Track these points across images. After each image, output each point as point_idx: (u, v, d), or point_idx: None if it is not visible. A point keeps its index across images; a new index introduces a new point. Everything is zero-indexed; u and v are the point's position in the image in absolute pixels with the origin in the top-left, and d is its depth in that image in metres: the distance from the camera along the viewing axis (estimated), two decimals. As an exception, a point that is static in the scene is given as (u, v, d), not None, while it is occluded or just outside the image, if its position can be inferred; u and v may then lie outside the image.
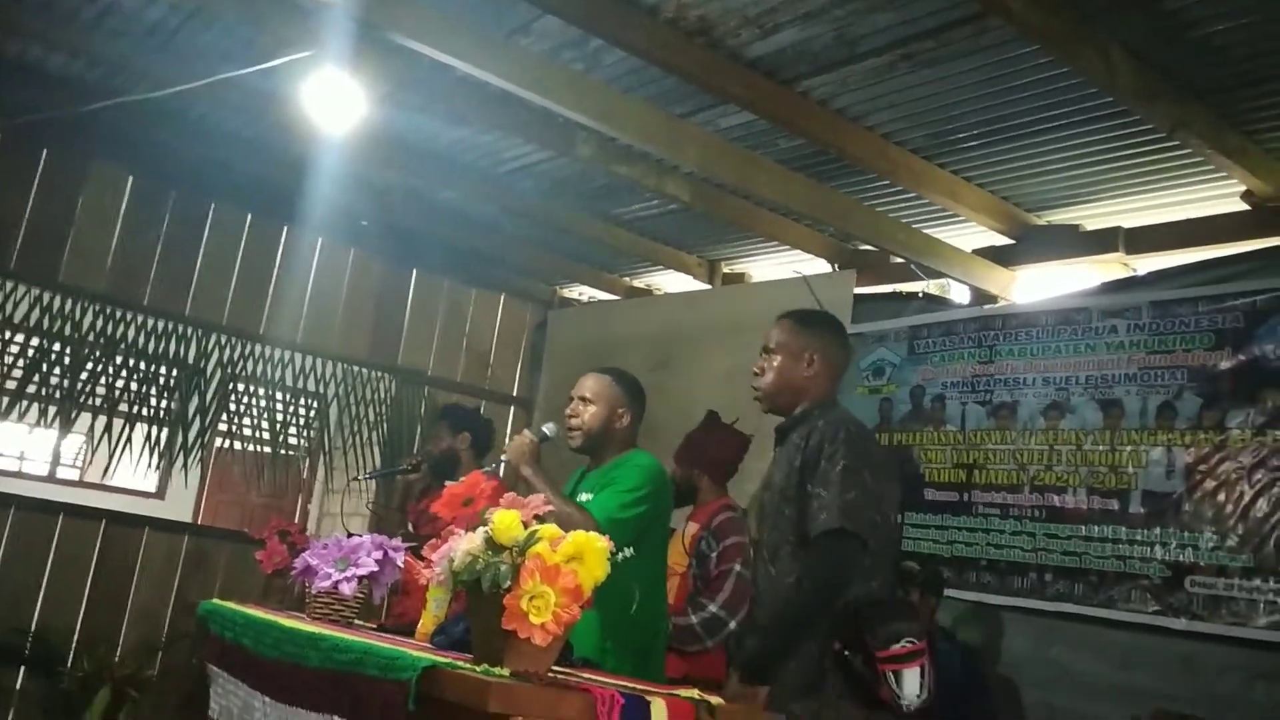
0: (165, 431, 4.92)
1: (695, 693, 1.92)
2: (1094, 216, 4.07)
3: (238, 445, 5.28)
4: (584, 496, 2.77)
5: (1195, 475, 3.37)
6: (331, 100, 3.25)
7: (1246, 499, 3.25)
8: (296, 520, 6.11)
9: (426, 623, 2.41)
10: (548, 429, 2.97)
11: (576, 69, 3.46)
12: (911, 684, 2.22)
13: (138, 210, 4.88)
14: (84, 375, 4.67)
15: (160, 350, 4.90)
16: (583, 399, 2.93)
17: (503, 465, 3.07)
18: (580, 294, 6.28)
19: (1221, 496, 3.31)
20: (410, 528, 3.78)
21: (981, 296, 4.33)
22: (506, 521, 1.82)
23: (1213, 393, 3.40)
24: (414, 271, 5.69)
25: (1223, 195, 3.68)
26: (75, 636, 4.45)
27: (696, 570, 3.48)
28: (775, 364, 2.55)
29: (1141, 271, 3.94)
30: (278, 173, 4.56)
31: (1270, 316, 3.34)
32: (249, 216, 5.21)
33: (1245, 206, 3.64)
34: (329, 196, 4.82)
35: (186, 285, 5.05)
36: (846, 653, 2.27)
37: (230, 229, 5.17)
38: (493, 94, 3.65)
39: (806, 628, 2.29)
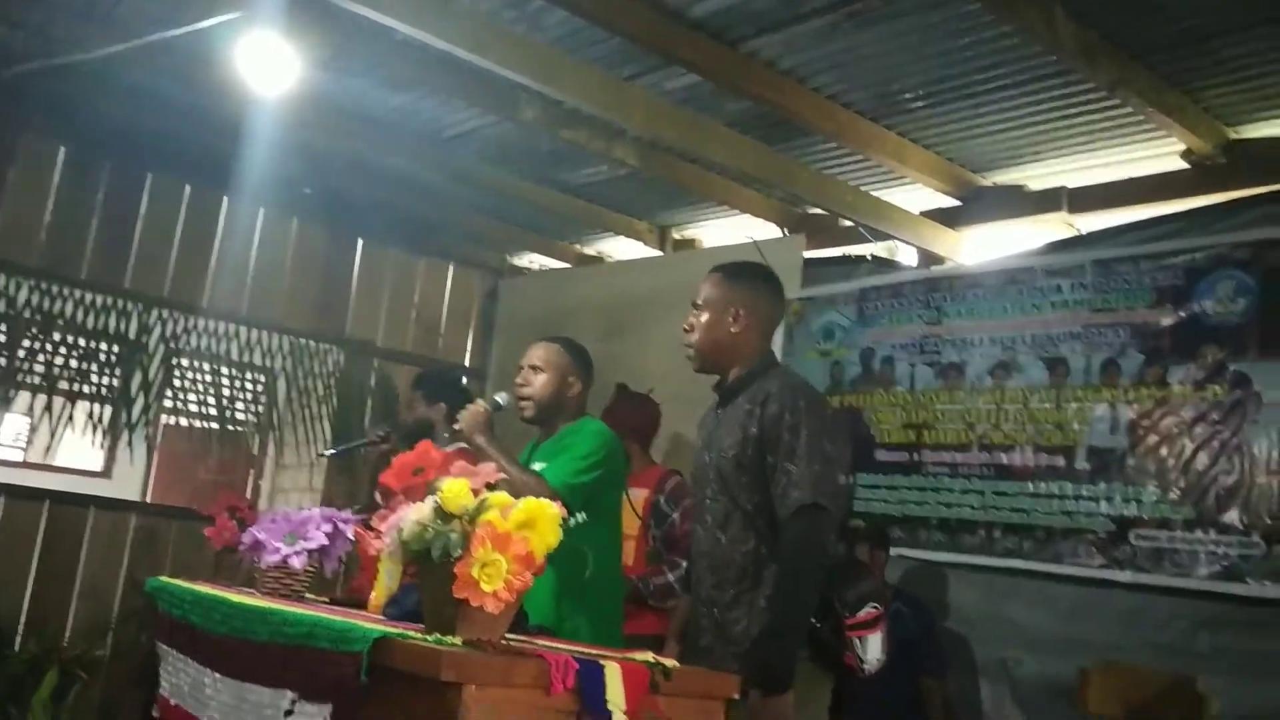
0: (108, 409, 4.82)
1: (650, 656, 1.92)
2: (1038, 177, 4.11)
3: (184, 422, 5.19)
4: (537, 466, 2.76)
5: (1138, 431, 3.44)
6: (265, 63, 3.17)
7: (1188, 453, 3.32)
8: (248, 496, 6.03)
9: (379, 594, 2.39)
10: (500, 398, 2.95)
11: (518, 30, 3.40)
12: (874, 648, 2.25)
13: (71, 182, 4.74)
14: (21, 353, 4.55)
15: (100, 325, 4.79)
16: (532, 368, 2.91)
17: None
18: (531, 262, 6.23)
19: (1164, 451, 3.37)
20: (380, 500, 3.75)
21: (929, 258, 4.37)
22: (455, 490, 1.80)
23: (1154, 349, 3.46)
24: (359, 241, 5.60)
25: (1163, 154, 3.74)
26: (22, 619, 4.36)
27: (657, 531, 3.62)
28: (703, 320, 2.47)
29: (1085, 231, 3.99)
30: (216, 142, 4.44)
31: (1209, 273, 3.40)
32: (188, 187, 5.09)
33: (1185, 165, 3.70)
34: (270, 165, 4.71)
35: (125, 258, 4.93)
36: (815, 621, 2.25)
37: (169, 200, 5.05)
38: (434, 57, 3.58)
39: (805, 614, 2.24)
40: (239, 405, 5.23)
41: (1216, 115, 3.51)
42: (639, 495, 3.72)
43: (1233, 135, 3.60)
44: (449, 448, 3.67)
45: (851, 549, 3.48)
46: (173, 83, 4.13)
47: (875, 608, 2.26)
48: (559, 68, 3.45)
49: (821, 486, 2.24)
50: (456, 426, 2.74)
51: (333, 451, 3.64)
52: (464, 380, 5.03)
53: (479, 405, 2.82)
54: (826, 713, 2.39)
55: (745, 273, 2.55)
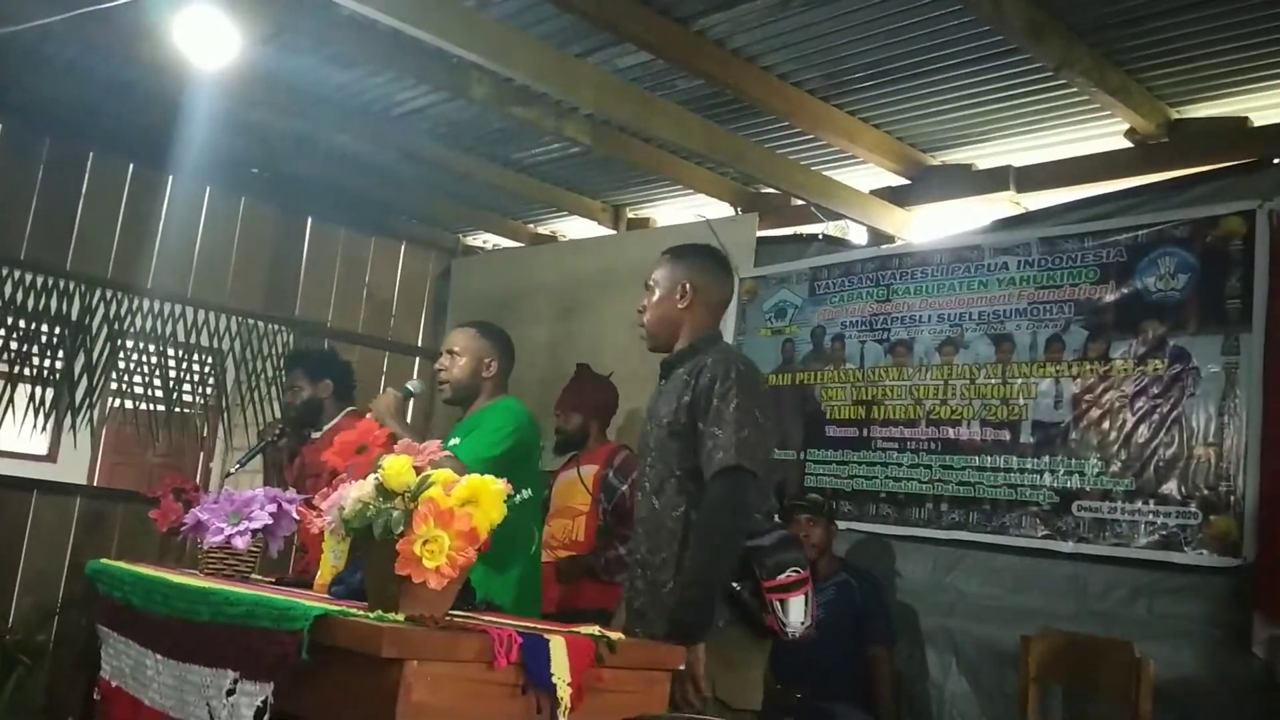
0: (51, 392, 4.73)
1: (596, 629, 1.94)
2: (986, 156, 4.14)
3: (130, 404, 5.11)
4: (453, 442, 2.80)
5: (1081, 405, 3.49)
6: (204, 37, 3.11)
7: (1129, 426, 3.38)
8: (198, 479, 5.96)
9: (324, 573, 2.38)
10: (412, 385, 3.12)
11: (467, 4, 3.36)
12: (797, 612, 2.29)
13: (9, 161, 4.65)
14: (-42, 335, 4.46)
15: (41, 307, 4.70)
16: (450, 353, 3.03)
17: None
18: (485, 242, 6.19)
19: (1106, 424, 3.43)
20: (295, 492, 3.73)
21: (879, 237, 4.39)
22: (397, 467, 1.79)
23: (1098, 325, 3.51)
24: (309, 220, 5.54)
25: (1107, 134, 3.78)
26: (-37, 606, 4.30)
27: (607, 505, 3.73)
28: (654, 299, 2.57)
29: (1031, 209, 4.04)
30: (160, 119, 4.35)
31: (1150, 250, 3.45)
32: (131, 165, 5.00)
33: (1128, 144, 3.74)
34: (215, 143, 4.64)
35: (66, 238, 4.85)
36: (735, 584, 2.30)
37: (111, 178, 4.96)
38: (382, 33, 3.53)
39: (721, 571, 2.29)
40: (186, 388, 5.15)
41: (1159, 95, 3.56)
42: (589, 471, 3.81)
43: (1175, 115, 3.65)
44: (339, 416, 3.71)
45: (790, 522, 3.52)
46: (111, 58, 4.05)
47: (797, 571, 2.30)
48: (509, 44, 3.41)
49: (745, 450, 2.30)
50: (370, 415, 2.77)
51: (237, 467, 3.60)
52: (359, 356, 5.04)
53: (390, 392, 2.95)
54: (761, 678, 2.43)
55: (692, 252, 2.64)
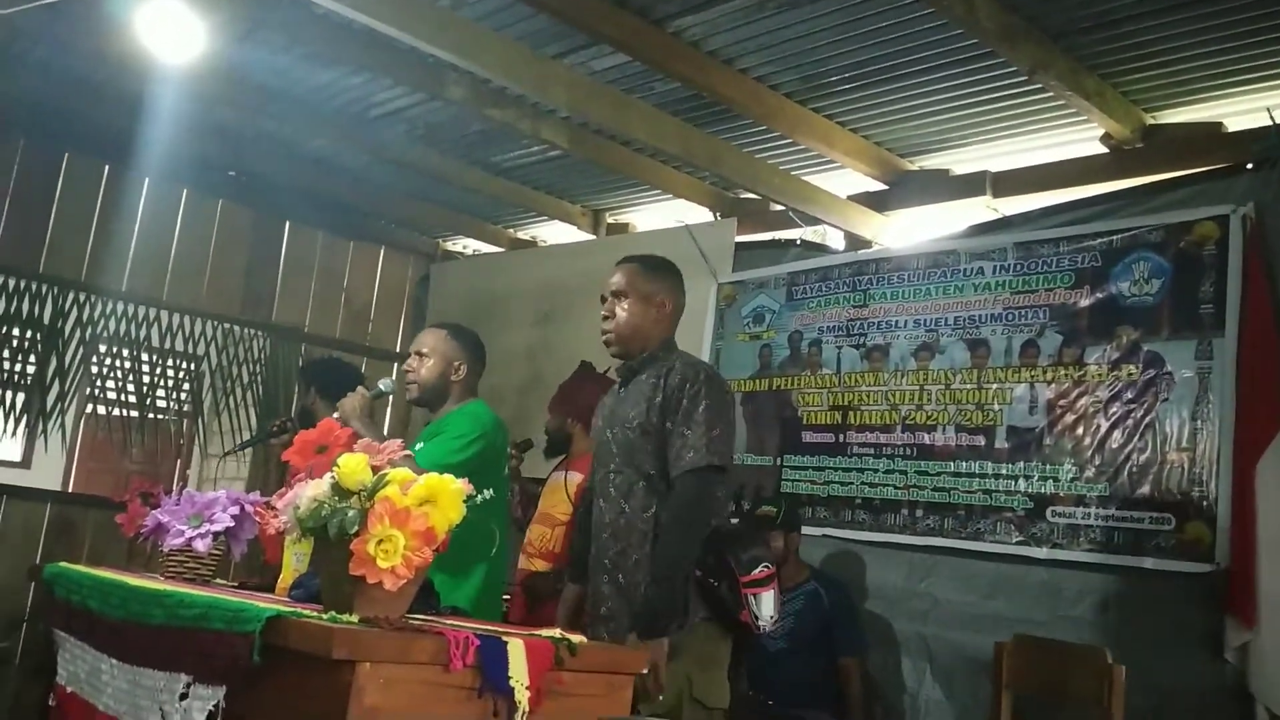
0: (23, 396, 4.67)
1: (556, 632, 1.91)
2: (963, 161, 4.14)
3: (104, 410, 5.05)
4: (418, 445, 2.77)
5: (1056, 410, 3.48)
6: (167, 29, 3.08)
7: (1103, 431, 3.37)
8: (175, 486, 5.89)
9: (286, 577, 2.35)
10: (384, 384, 3.08)
11: (442, 4, 3.34)
12: (768, 605, 2.36)
13: (-21, 161, 4.59)
14: (-71, 339, 4.40)
15: (13, 310, 4.65)
16: (419, 354, 3.00)
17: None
18: (464, 247, 6.16)
19: (1080, 430, 3.42)
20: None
21: (856, 242, 4.38)
22: (352, 466, 1.76)
23: (1072, 330, 3.50)
24: (286, 224, 5.50)
25: (1083, 139, 3.78)
26: (-72, 613, 4.23)
27: None
28: (626, 307, 2.60)
29: (1007, 214, 4.03)
30: (135, 120, 4.31)
31: (1125, 255, 3.45)
32: (106, 167, 4.96)
33: (1103, 149, 3.75)
34: (191, 146, 4.61)
35: (40, 241, 4.81)
36: (712, 580, 2.36)
37: (86, 181, 4.92)
38: (358, 33, 3.52)
39: (690, 565, 2.35)
40: (161, 393, 5.10)
41: (1134, 100, 3.56)
42: (575, 480, 3.68)
43: (1150, 120, 3.65)
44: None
45: (750, 523, 3.51)
46: (81, 57, 4.02)
47: (767, 567, 2.39)
48: (485, 44, 3.39)
49: (716, 449, 2.39)
50: (335, 416, 2.74)
51: (239, 446, 3.63)
52: (359, 368, 4.99)
53: (359, 392, 2.91)
54: (726, 677, 2.46)
55: (664, 266, 2.72)
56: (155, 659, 1.91)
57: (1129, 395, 3.34)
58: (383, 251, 5.90)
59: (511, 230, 5.86)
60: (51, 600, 2.40)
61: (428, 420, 3.04)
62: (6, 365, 4.63)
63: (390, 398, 4.06)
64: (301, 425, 3.79)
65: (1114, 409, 3.36)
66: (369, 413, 2.87)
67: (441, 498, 1.77)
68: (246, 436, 4.92)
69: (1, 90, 4.33)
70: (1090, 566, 3.30)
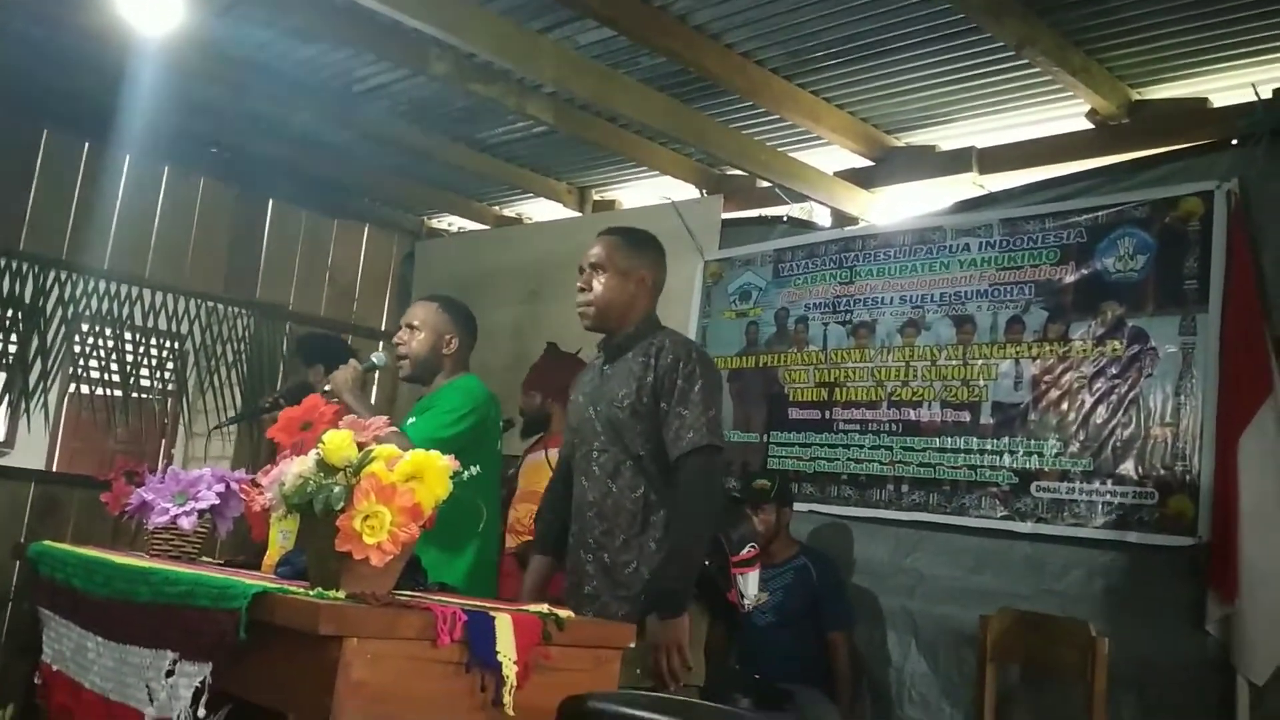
0: (4, 376, 4.64)
1: (545, 607, 1.91)
2: (949, 137, 4.13)
3: (87, 390, 5.02)
4: (410, 420, 2.76)
5: (1041, 385, 3.50)
6: (147, 3, 3.03)
7: (1087, 407, 3.39)
8: (160, 465, 5.87)
9: (272, 554, 2.34)
10: (376, 358, 3.02)
11: (425, -22, 3.31)
12: (753, 585, 2.40)
13: (-44, 138, 4.53)
14: (-93, 317, 4.36)
15: (-8, 288, 4.60)
16: (410, 326, 2.97)
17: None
18: (449, 224, 6.13)
19: (1064, 405, 3.44)
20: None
21: (842, 219, 4.38)
22: (338, 442, 1.75)
23: (1057, 306, 3.51)
24: (270, 202, 5.45)
25: (1068, 115, 3.78)
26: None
27: None
28: (603, 280, 2.57)
29: (993, 190, 4.03)
30: (115, 97, 4.25)
31: (1110, 231, 3.45)
32: (86, 144, 4.90)
33: (1089, 125, 3.75)
34: (173, 122, 4.56)
35: (20, 219, 4.75)
36: (706, 562, 2.36)
37: (66, 157, 4.86)
38: (340, 7, 3.48)
39: (705, 544, 2.35)
40: (144, 372, 5.07)
41: (1120, 76, 3.56)
42: (555, 456, 3.72)
43: (1136, 96, 3.66)
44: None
45: (757, 507, 3.52)
46: (59, 30, 3.95)
47: (754, 547, 2.42)
48: (469, 18, 3.36)
49: (715, 428, 2.39)
50: (326, 387, 2.73)
51: (228, 421, 3.63)
52: (348, 342, 4.97)
53: (351, 365, 2.88)
54: (703, 653, 2.47)
55: (646, 240, 2.68)
56: (141, 636, 1.90)
57: (1113, 371, 3.36)
58: (367, 229, 5.86)
59: (497, 208, 5.83)
60: (36, 578, 2.39)
61: (419, 395, 3.02)
62: (-13, 344, 4.59)
63: (378, 372, 4.04)
64: (299, 401, 3.80)
65: (1098, 384, 3.38)
66: (360, 385, 2.84)
67: (428, 474, 1.76)
68: (231, 414, 4.90)
69: (-23, 65, 4.28)
70: (1074, 541, 3.33)
